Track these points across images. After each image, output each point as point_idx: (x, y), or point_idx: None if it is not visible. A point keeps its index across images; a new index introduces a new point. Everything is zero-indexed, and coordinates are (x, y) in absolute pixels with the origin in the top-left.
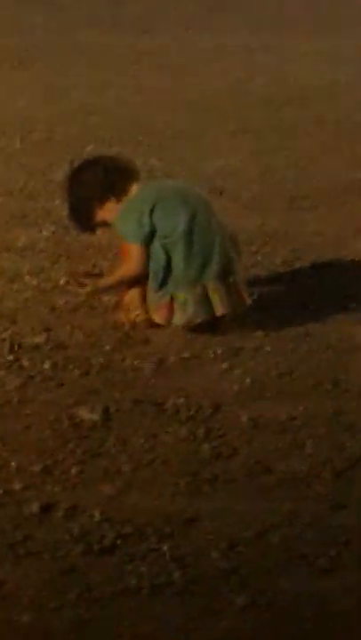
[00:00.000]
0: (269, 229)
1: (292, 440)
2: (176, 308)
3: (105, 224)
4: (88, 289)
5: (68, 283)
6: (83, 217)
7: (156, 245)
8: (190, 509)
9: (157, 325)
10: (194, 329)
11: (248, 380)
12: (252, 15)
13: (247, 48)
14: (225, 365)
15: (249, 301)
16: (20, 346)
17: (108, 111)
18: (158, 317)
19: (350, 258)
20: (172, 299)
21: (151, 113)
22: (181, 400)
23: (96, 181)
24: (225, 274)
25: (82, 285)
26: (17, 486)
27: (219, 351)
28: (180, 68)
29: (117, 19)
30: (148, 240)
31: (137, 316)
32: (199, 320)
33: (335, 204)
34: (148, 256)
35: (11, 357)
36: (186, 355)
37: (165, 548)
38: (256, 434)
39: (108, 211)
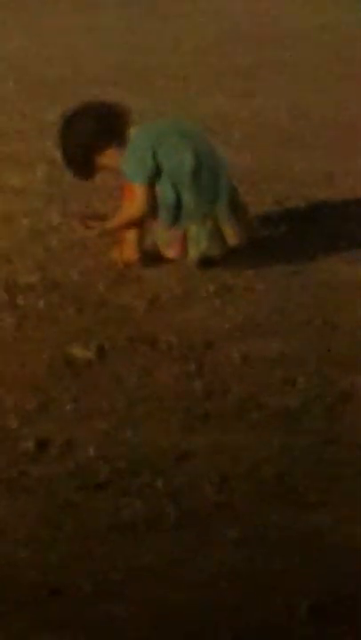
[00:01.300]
0: (260, 168)
1: (284, 376)
2: (189, 242)
3: (104, 170)
4: (96, 231)
5: (61, 223)
6: (81, 165)
7: (165, 183)
8: (183, 445)
9: (150, 263)
10: (184, 266)
11: (240, 318)
12: None
13: None
14: (217, 303)
15: (257, 230)
16: (15, 285)
17: (98, 53)
18: (172, 252)
19: (341, 196)
20: (184, 233)
21: (141, 55)
22: (174, 338)
23: (91, 129)
24: (233, 204)
25: (89, 228)
26: (12, 423)
27: (211, 289)
28: (169, 10)
29: None
30: (153, 179)
31: (131, 254)
32: (213, 253)
33: (325, 144)
34: (153, 195)
35: (5, 297)
36: (178, 292)
37: (159, 483)
38: (248, 370)
39: (110, 156)
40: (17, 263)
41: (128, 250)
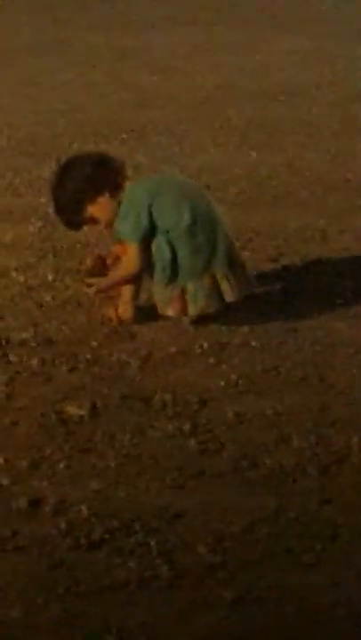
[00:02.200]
0: (255, 225)
1: (279, 435)
2: (188, 299)
3: (94, 221)
4: (94, 289)
5: (55, 279)
6: (70, 212)
7: (161, 240)
8: (177, 504)
9: (144, 321)
10: (179, 324)
11: (234, 376)
12: (236, 13)
13: (232, 45)
14: (211, 360)
15: (255, 286)
16: (7, 341)
17: (93, 108)
18: (171, 311)
19: (335, 254)
20: (182, 291)
21: (136, 110)
22: (168, 395)
23: (85, 176)
24: (231, 260)
25: (89, 285)
26: (5, 481)
27: (205, 346)
28: (164, 65)
29: (102, 16)
30: (148, 237)
31: (124, 311)
32: (212, 310)
33: (320, 201)
34: (147, 253)
35: None
36: (172, 350)
37: (153, 542)
38: (242, 429)
39: (101, 206)
40: (10, 319)
41: (122, 307)
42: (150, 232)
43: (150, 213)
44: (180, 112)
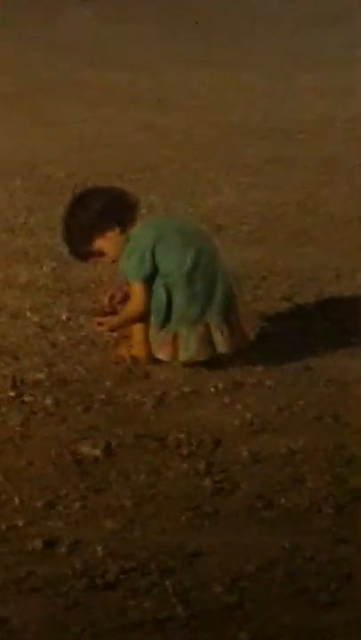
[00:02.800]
0: (269, 264)
1: (293, 474)
2: (179, 345)
3: (101, 254)
4: (105, 327)
5: (69, 318)
6: (79, 242)
7: (158, 284)
8: (193, 544)
9: (158, 360)
10: (195, 363)
11: (249, 415)
12: (251, 51)
13: (246, 84)
14: (226, 400)
15: (251, 338)
16: (22, 382)
17: (107, 148)
18: (162, 354)
19: (350, 292)
20: (175, 336)
21: (150, 149)
22: (183, 435)
23: (98, 209)
24: (227, 312)
25: (100, 324)
26: (20, 522)
27: (219, 386)
28: (178, 104)
29: (116, 57)
30: (151, 278)
31: (138, 350)
32: (202, 359)
33: (334, 239)
34: (149, 294)
35: (13, 393)
36: (187, 389)
37: (168, 582)
38: (257, 468)
39: (109, 240)
40: (24, 359)
41: (136, 346)
42: (153, 273)
43: (153, 255)
44: (194, 151)
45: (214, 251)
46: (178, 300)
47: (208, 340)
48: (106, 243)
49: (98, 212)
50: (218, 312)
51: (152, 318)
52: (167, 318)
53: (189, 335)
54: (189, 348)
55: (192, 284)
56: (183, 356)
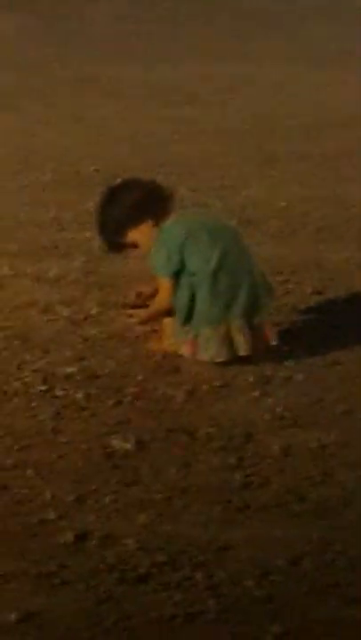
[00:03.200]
0: (298, 258)
1: (324, 468)
2: (200, 344)
3: (134, 246)
4: (135, 320)
5: (100, 312)
6: (112, 234)
7: (182, 281)
8: (223, 537)
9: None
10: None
11: (279, 409)
12: (276, 44)
13: (273, 78)
14: (256, 394)
15: (274, 342)
16: (53, 376)
17: (135, 142)
18: (184, 351)
19: None
20: (196, 335)
21: (178, 143)
22: (213, 429)
23: (133, 201)
24: (250, 314)
25: (130, 316)
26: (51, 516)
27: (250, 379)
28: (205, 98)
29: (141, 51)
30: (178, 274)
31: (168, 345)
32: (221, 359)
33: None
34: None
35: (44, 387)
36: (217, 383)
37: (199, 576)
38: (288, 462)
39: (143, 233)
40: (55, 354)
41: (166, 340)
42: (180, 269)
43: (181, 252)
44: (222, 145)
45: (242, 250)
46: (201, 300)
47: (229, 342)
48: (139, 235)
49: (132, 204)
50: (240, 314)
51: (175, 314)
52: (189, 317)
53: (211, 336)
54: (209, 349)
55: (216, 284)
56: (203, 356)
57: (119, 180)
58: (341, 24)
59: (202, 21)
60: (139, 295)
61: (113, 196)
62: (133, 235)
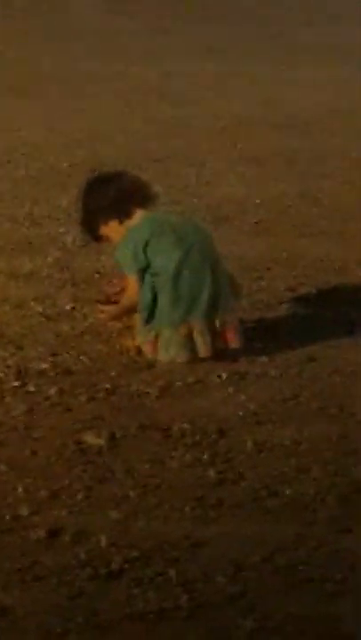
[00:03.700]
0: (273, 255)
1: (298, 464)
2: (160, 345)
3: (107, 239)
4: (105, 316)
5: (73, 308)
6: (87, 226)
7: (146, 281)
8: (197, 534)
9: None
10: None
11: (253, 405)
12: (254, 44)
13: (250, 76)
14: (230, 390)
15: (236, 345)
16: (26, 371)
17: (111, 139)
18: (145, 350)
19: (354, 283)
20: (157, 335)
21: (155, 140)
22: (187, 425)
23: (103, 198)
24: (212, 316)
25: (102, 312)
26: (24, 511)
27: (224, 376)
28: (182, 97)
29: (121, 49)
30: (144, 271)
31: (142, 341)
32: (180, 360)
33: (338, 231)
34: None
35: (17, 383)
36: (191, 380)
37: (172, 572)
38: (261, 458)
39: (110, 228)
40: (28, 349)
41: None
42: (146, 267)
43: (146, 250)
44: (198, 142)
45: (208, 252)
46: (162, 301)
47: (189, 343)
48: (108, 230)
49: (101, 201)
50: (202, 315)
51: (138, 313)
52: (151, 316)
53: (171, 337)
54: (170, 350)
55: (178, 286)
56: (163, 356)
57: (100, 172)
58: (323, 23)
59: (184, 18)
60: (111, 287)
61: (89, 188)
62: (104, 229)
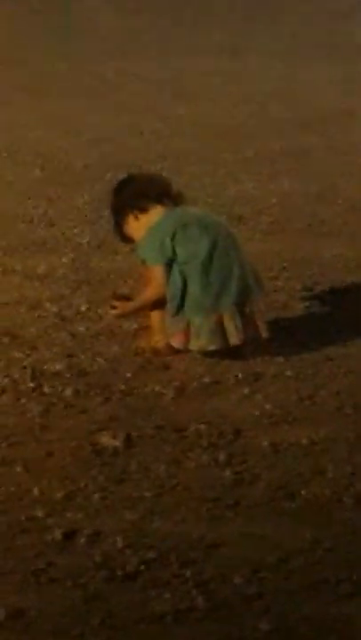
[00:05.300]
0: (289, 255)
1: (314, 465)
2: (191, 333)
3: (132, 239)
4: (117, 311)
5: (89, 309)
6: (116, 227)
7: (174, 271)
8: (213, 535)
9: (178, 351)
10: (214, 354)
11: (269, 406)
12: (267, 42)
13: (263, 74)
14: (246, 391)
15: (265, 334)
16: (41, 373)
17: (124, 138)
18: (175, 342)
19: None
20: (188, 324)
21: (168, 139)
22: (203, 426)
23: (123, 198)
24: (242, 303)
25: (113, 308)
26: (39, 513)
27: (239, 376)
28: (195, 95)
29: (134, 48)
30: (170, 263)
31: (157, 341)
32: (212, 348)
33: (353, 229)
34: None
35: (32, 384)
36: (206, 380)
37: (188, 573)
38: (278, 459)
39: (129, 226)
40: (43, 350)
41: (155, 337)
42: (172, 259)
43: (173, 242)
44: (212, 141)
45: (233, 242)
46: (193, 288)
47: (220, 331)
48: (127, 228)
49: (123, 201)
50: (232, 303)
51: (167, 304)
52: (181, 305)
53: (202, 324)
54: (201, 338)
55: (207, 273)
56: (194, 345)
57: (131, 175)
58: (331, 22)
59: (197, 16)
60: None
61: (116, 190)
62: (126, 229)
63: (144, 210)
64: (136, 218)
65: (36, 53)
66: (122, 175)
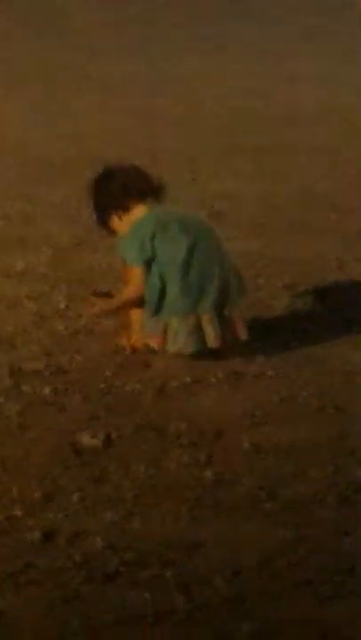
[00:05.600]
0: (270, 253)
1: (295, 465)
2: (169, 335)
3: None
4: (96, 309)
5: (68, 307)
6: (98, 217)
7: (153, 271)
8: (193, 536)
9: (158, 350)
10: (195, 354)
11: (250, 405)
12: (250, 40)
13: (245, 72)
14: (226, 390)
15: (244, 336)
16: (19, 371)
17: (105, 135)
18: (153, 343)
19: (351, 281)
20: (166, 325)
21: (149, 136)
22: (183, 425)
23: (107, 196)
24: (221, 306)
25: (92, 305)
26: (18, 513)
27: (220, 376)
28: (176, 92)
29: (113, 43)
30: (149, 264)
31: (137, 340)
32: (189, 351)
33: (335, 228)
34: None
35: (10, 383)
36: (187, 379)
37: (169, 574)
38: (259, 459)
39: (112, 224)
40: (22, 349)
41: (135, 335)
42: (151, 259)
43: (152, 242)
44: (193, 138)
45: (214, 244)
46: (171, 290)
47: (198, 334)
48: (112, 223)
49: (103, 196)
50: (210, 305)
51: (145, 305)
52: (159, 307)
53: (180, 327)
54: (178, 340)
55: (186, 275)
56: (171, 347)
57: (114, 165)
58: (315, 20)
59: (174, 13)
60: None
61: (98, 182)
62: (112, 224)
63: (127, 209)
64: (120, 218)
65: (18, 49)
66: (100, 169)
